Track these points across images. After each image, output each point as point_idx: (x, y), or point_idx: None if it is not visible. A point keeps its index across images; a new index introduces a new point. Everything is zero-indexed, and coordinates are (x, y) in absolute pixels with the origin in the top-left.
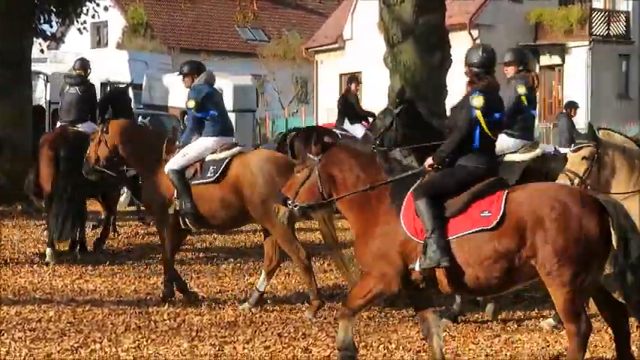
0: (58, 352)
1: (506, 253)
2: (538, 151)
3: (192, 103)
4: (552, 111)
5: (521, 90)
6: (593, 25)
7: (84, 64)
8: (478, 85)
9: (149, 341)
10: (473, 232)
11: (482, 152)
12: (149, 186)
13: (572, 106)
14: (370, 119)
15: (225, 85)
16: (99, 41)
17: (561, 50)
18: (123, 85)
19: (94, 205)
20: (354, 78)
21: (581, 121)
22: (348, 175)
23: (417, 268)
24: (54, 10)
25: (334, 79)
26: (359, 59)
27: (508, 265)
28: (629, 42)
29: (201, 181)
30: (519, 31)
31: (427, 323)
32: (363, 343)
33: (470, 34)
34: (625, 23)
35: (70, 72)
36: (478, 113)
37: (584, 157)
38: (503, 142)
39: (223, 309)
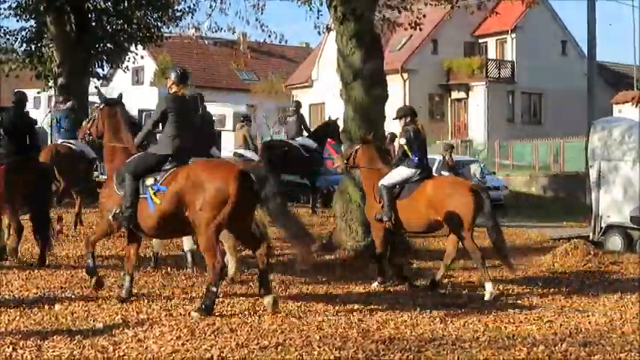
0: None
1: None
2: None
3: None
4: (460, 131)
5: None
6: (489, 70)
7: (297, 105)
8: None
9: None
10: None
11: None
12: None
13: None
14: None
15: (227, 111)
16: (137, 80)
17: (466, 88)
18: (335, 119)
19: None
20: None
21: (480, 139)
22: None
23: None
24: (105, 57)
25: (305, 108)
26: (323, 94)
27: None
28: (513, 82)
29: None
30: (436, 75)
31: None
32: None
33: (401, 76)
34: (511, 69)
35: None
36: None
37: None
38: None
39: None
